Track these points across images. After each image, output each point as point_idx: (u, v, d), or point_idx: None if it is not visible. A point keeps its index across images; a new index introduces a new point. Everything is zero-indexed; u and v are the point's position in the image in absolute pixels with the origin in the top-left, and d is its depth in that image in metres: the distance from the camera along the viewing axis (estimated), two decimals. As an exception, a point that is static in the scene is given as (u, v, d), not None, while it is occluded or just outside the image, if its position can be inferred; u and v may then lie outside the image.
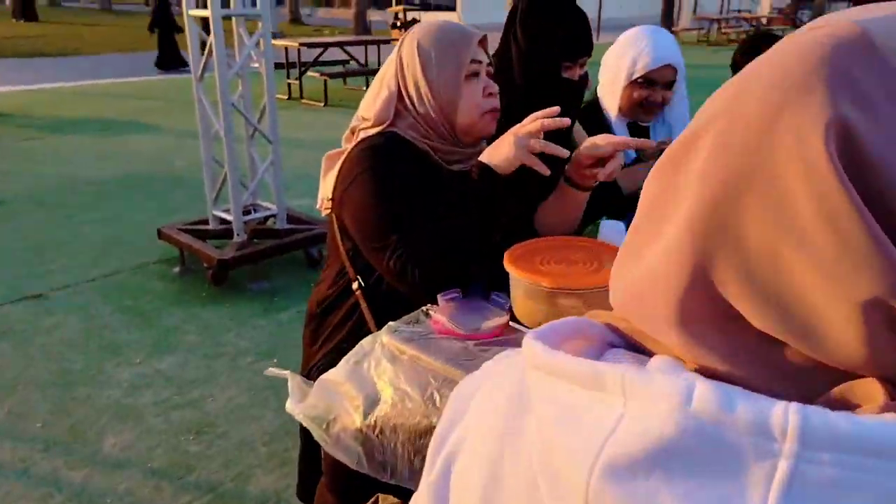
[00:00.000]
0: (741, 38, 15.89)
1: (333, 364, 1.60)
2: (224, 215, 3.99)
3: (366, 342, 1.33)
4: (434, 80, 1.42)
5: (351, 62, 11.14)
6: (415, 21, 13.23)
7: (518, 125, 1.35)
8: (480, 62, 1.45)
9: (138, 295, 3.70)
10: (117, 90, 10.50)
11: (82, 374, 2.94)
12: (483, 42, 1.49)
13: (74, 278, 3.88)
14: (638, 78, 1.94)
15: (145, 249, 4.25)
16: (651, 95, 1.99)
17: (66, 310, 3.52)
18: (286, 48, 10.06)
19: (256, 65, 3.84)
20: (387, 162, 1.41)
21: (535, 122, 1.33)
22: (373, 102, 1.50)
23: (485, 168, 1.36)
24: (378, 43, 11.37)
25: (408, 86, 1.44)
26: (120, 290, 3.76)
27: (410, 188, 1.41)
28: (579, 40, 1.70)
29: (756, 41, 2.79)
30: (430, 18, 2.63)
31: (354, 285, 1.56)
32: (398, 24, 15.46)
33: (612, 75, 2.00)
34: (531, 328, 1.29)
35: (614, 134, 2.02)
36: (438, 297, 1.34)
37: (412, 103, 1.45)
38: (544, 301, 1.25)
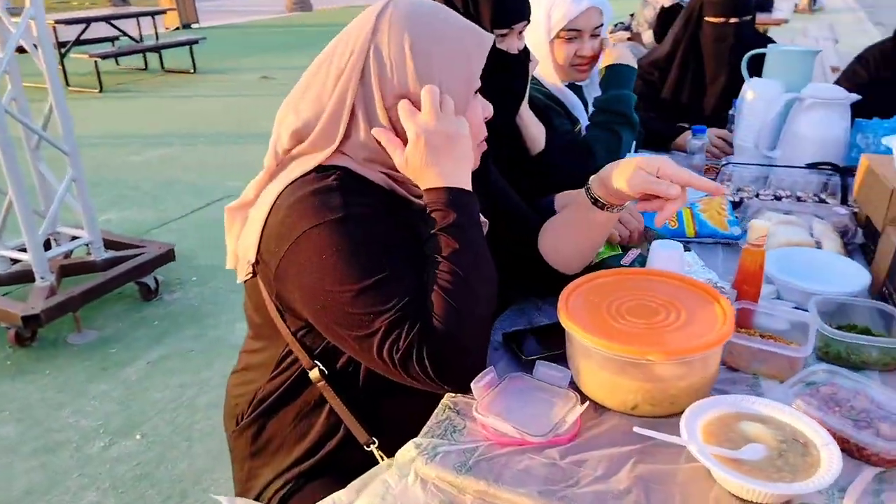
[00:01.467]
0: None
1: (300, 488, 1.15)
2: (16, 255, 3.08)
3: (389, 476, 0.90)
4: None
5: (122, 38, 9.62)
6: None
7: None
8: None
9: None
10: None
11: None
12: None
13: None
14: (560, 31, 1.64)
15: None
16: (580, 49, 1.70)
17: None
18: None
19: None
20: (350, 207, 0.96)
21: None
22: (312, 113, 1.01)
23: (460, 194, 0.99)
24: (152, 14, 9.93)
25: (384, 99, 0.98)
26: None
27: (390, 241, 0.97)
28: (506, 1, 1.35)
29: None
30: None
31: (313, 373, 1.09)
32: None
33: (535, 37, 1.68)
34: (621, 409, 0.95)
35: (563, 105, 1.72)
36: (473, 385, 0.94)
37: (391, 124, 1.00)
38: (639, 374, 0.91)
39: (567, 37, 1.66)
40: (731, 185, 1.74)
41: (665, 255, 1.09)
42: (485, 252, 1.00)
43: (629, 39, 4.98)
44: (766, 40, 2.26)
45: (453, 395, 1.01)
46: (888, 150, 1.37)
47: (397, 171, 1.02)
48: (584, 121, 1.75)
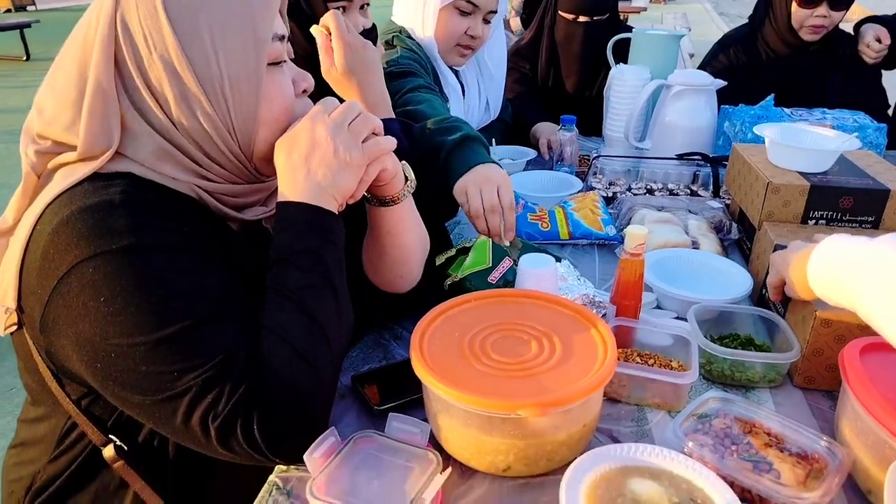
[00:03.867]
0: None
1: None
2: None
3: None
4: (209, 68, 0.74)
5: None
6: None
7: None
8: (283, 38, 0.81)
9: None
10: None
11: None
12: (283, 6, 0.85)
13: None
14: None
15: None
16: (471, 28, 1.54)
17: None
18: None
19: None
20: (141, 230, 0.72)
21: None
22: (70, 112, 0.76)
23: (324, 215, 0.78)
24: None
25: (148, 81, 0.74)
26: None
27: (199, 273, 0.74)
28: None
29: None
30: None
31: (107, 451, 0.85)
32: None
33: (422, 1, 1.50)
34: (491, 472, 0.77)
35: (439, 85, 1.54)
36: (307, 457, 0.73)
37: (164, 112, 0.75)
38: (511, 429, 0.74)
39: (463, 9, 1.49)
40: (602, 179, 1.63)
41: (536, 273, 0.93)
42: (344, 287, 0.79)
43: (498, 26, 4.91)
44: (626, 29, 2.19)
45: (284, 467, 0.79)
46: (756, 139, 1.31)
47: (206, 169, 0.78)
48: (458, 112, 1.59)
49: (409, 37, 1.57)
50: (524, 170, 1.76)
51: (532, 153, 1.84)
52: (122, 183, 0.74)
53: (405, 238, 0.95)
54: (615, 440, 0.85)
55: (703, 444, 0.77)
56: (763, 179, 1.20)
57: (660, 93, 1.69)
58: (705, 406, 0.84)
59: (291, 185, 0.78)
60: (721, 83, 1.65)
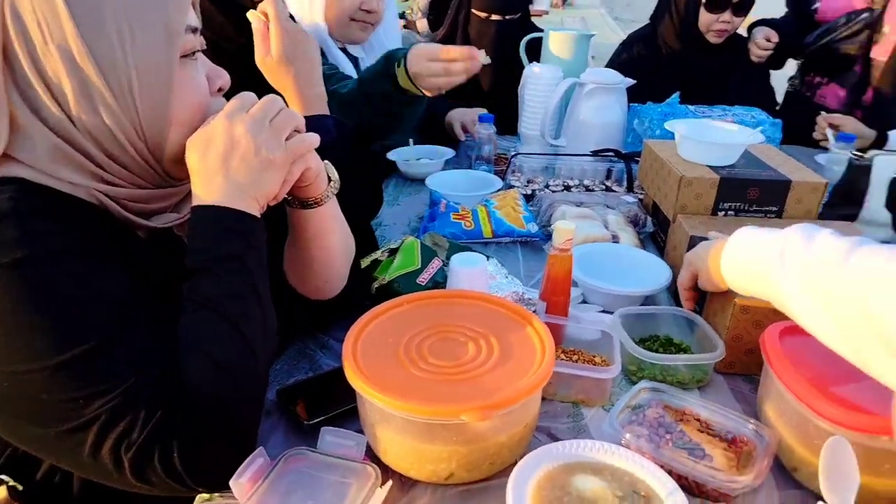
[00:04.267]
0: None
1: None
2: None
3: None
4: (113, 58, 0.67)
5: None
6: None
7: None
8: (196, 30, 0.75)
9: None
10: None
11: None
12: None
13: None
14: None
15: None
16: (365, 2, 1.51)
17: None
18: None
19: None
20: (34, 241, 0.64)
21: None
22: None
23: (245, 218, 0.73)
24: None
25: (43, 73, 0.66)
26: None
27: (103, 287, 0.67)
28: None
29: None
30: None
31: (0, 492, 0.76)
32: None
33: None
34: (433, 481, 0.75)
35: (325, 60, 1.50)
36: (233, 483, 0.68)
37: (61, 108, 0.68)
38: (452, 435, 0.71)
39: None
40: (521, 177, 1.64)
41: (467, 273, 0.91)
42: (268, 295, 0.74)
43: (404, 28, 4.89)
44: (537, 30, 2.23)
45: (207, 496, 0.73)
46: (665, 134, 1.35)
47: (108, 172, 0.71)
48: None
49: None
50: (442, 169, 1.75)
51: (450, 153, 1.83)
52: (10, 189, 0.66)
53: (329, 241, 0.90)
54: (554, 437, 0.85)
55: (639, 434, 0.78)
56: (676, 174, 1.24)
57: (573, 91, 1.72)
58: (638, 397, 0.85)
59: (208, 188, 0.72)
60: (631, 81, 1.70)
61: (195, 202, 0.73)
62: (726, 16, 2.06)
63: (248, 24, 1.08)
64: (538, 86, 1.76)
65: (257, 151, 0.73)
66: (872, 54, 2.08)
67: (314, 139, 0.79)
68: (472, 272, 0.91)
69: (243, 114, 0.74)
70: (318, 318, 1.04)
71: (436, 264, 1.07)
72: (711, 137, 1.31)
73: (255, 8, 1.06)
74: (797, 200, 1.23)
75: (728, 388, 0.97)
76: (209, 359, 0.67)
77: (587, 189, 1.58)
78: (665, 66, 2.18)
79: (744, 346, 0.97)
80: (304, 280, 0.94)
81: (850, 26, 2.12)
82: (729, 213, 1.24)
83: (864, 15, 2.10)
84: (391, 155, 1.78)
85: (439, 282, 1.04)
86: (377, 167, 1.71)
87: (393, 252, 1.08)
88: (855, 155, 1.49)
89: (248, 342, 0.70)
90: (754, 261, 0.81)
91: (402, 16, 5.32)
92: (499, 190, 1.55)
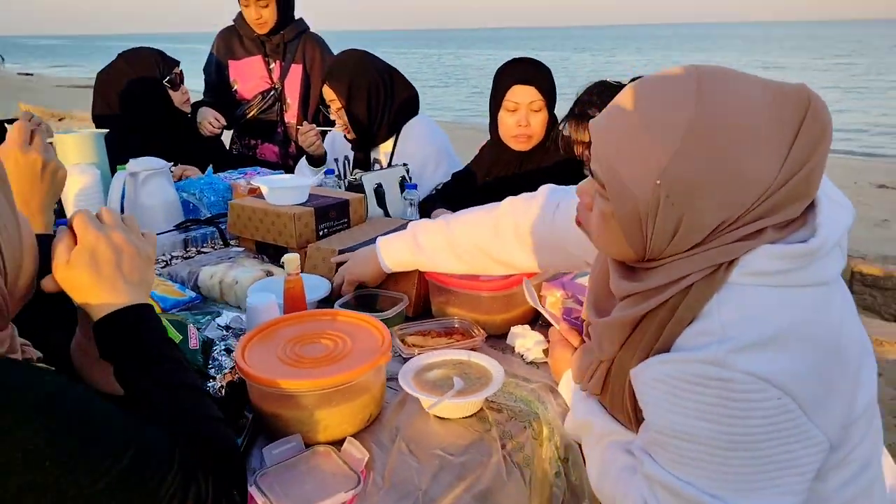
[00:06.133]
0: None
1: None
2: None
3: None
4: None
5: None
6: None
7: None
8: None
9: None
10: None
11: None
12: None
13: None
14: None
15: None
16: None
17: None
18: None
19: None
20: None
21: None
22: None
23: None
24: None
25: None
26: None
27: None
28: None
29: None
30: None
31: None
32: None
33: None
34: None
35: None
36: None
37: None
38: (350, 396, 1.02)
39: None
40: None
41: (265, 307, 1.15)
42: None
43: None
44: None
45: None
46: (216, 204, 1.70)
47: None
48: None
49: None
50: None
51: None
52: None
53: None
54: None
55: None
56: (284, 212, 1.65)
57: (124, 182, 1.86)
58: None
59: (113, 296, 0.79)
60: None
61: (103, 312, 0.78)
62: None
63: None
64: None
65: (139, 252, 0.83)
66: (286, 118, 2.86)
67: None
68: (268, 306, 1.15)
69: (104, 224, 0.82)
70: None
71: (192, 331, 1.20)
72: (287, 184, 1.77)
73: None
74: (355, 211, 1.82)
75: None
76: (206, 419, 0.79)
77: (199, 252, 1.80)
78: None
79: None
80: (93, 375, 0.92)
81: (267, 101, 2.84)
82: (324, 231, 1.73)
83: (273, 92, 2.84)
84: None
85: (209, 338, 1.20)
86: None
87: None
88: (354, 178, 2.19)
89: (209, 398, 0.83)
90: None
91: None
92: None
